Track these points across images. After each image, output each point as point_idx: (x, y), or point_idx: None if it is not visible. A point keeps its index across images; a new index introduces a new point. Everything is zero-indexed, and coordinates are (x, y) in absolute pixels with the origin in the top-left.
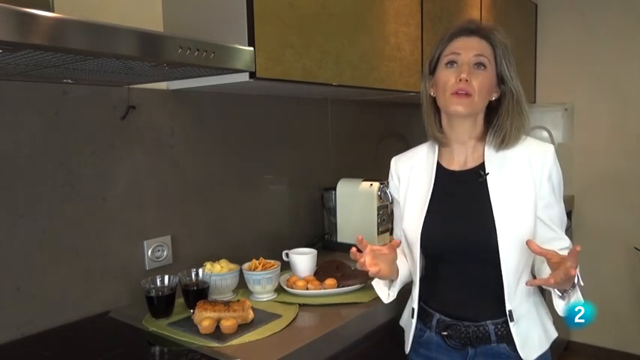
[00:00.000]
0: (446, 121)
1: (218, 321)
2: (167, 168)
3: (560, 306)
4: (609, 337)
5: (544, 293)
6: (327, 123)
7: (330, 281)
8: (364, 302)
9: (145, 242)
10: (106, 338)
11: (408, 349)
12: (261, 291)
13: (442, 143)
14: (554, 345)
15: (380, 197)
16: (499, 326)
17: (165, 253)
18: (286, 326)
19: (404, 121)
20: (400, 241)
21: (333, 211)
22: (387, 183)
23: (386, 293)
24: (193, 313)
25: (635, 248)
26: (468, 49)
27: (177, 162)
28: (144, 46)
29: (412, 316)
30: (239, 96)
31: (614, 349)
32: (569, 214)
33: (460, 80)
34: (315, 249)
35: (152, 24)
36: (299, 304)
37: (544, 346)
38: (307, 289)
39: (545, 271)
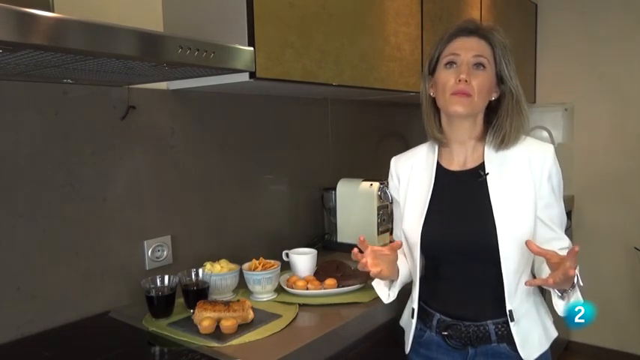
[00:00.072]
0: (445, 122)
1: (218, 321)
2: (167, 168)
3: (559, 306)
4: (609, 337)
5: (544, 293)
6: (327, 123)
7: (330, 281)
8: (364, 302)
9: (145, 242)
10: (106, 338)
11: (408, 349)
12: (261, 291)
13: (442, 143)
14: (554, 345)
15: (380, 197)
16: (499, 326)
17: (165, 253)
18: (286, 326)
19: (404, 121)
20: (401, 243)
21: (333, 211)
22: (387, 183)
23: (386, 293)
24: (193, 313)
25: (635, 248)
26: (467, 49)
27: (177, 162)
28: (144, 46)
29: (412, 316)
30: (239, 96)
31: (614, 349)
32: (569, 214)
33: (460, 81)
34: (315, 249)
35: (152, 24)
36: (299, 304)
37: (544, 346)
38: (307, 289)
39: (545, 271)
